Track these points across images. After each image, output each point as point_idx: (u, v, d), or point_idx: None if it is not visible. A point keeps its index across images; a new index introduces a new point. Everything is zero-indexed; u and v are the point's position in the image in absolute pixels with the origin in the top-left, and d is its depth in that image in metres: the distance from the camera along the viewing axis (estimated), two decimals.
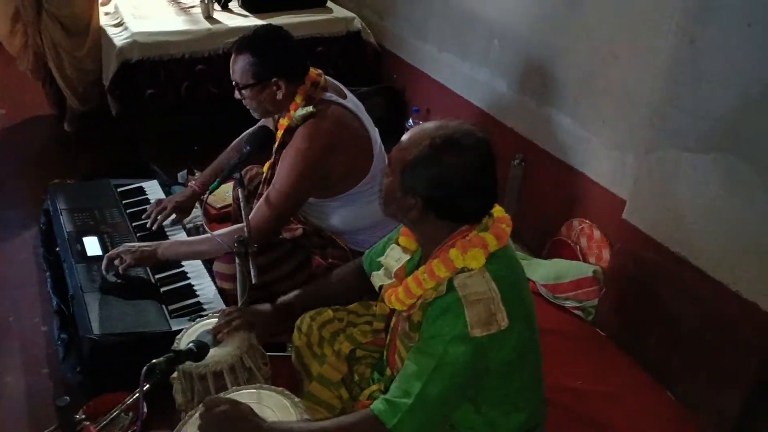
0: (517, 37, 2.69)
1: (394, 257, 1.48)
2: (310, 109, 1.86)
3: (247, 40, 1.89)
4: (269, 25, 2.01)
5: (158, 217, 2.26)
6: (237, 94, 1.94)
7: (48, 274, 2.30)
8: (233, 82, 1.92)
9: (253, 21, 3.31)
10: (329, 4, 3.61)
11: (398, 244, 1.49)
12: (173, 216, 2.29)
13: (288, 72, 1.88)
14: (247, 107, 1.96)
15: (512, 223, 1.37)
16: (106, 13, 3.40)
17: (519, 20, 2.66)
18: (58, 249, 2.33)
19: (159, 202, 2.33)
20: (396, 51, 3.56)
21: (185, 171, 3.05)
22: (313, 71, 1.94)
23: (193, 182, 2.32)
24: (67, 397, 1.34)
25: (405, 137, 1.34)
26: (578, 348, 2.12)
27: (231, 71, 1.91)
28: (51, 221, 2.49)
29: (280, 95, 1.89)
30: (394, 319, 1.50)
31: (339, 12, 3.57)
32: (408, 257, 1.46)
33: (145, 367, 1.35)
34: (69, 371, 1.90)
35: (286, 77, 1.88)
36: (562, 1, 2.44)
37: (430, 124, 1.32)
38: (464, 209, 1.31)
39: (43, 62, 3.38)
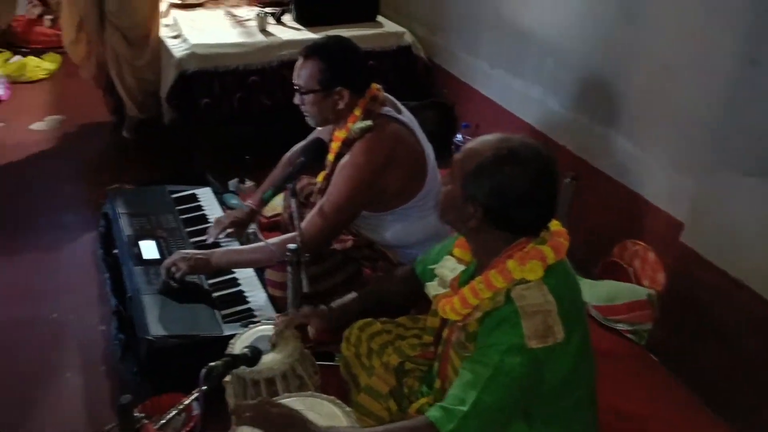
0: (572, 54, 2.67)
1: (449, 267, 1.49)
2: (368, 123, 1.89)
3: (318, 47, 1.94)
4: (339, 36, 2.06)
5: (215, 231, 2.29)
6: (297, 99, 1.98)
7: (107, 275, 2.37)
8: (295, 86, 1.96)
9: (306, 34, 3.37)
10: (380, 18, 3.66)
11: (453, 255, 1.50)
12: (230, 230, 2.31)
13: (352, 83, 1.92)
14: (305, 113, 2.00)
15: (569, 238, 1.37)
16: (166, 25, 3.51)
17: (574, 37, 2.65)
18: (116, 252, 2.40)
19: (218, 219, 2.35)
20: (446, 66, 3.58)
21: (236, 180, 3.12)
22: (374, 86, 1.98)
23: (250, 201, 2.36)
24: (129, 395, 1.38)
25: (468, 146, 1.37)
26: (630, 371, 2.09)
27: (295, 75, 1.95)
28: (110, 224, 2.58)
29: (341, 105, 1.92)
30: (446, 330, 1.51)
31: (390, 26, 3.61)
32: (463, 268, 1.47)
33: (204, 370, 1.39)
34: (126, 370, 1.95)
35: (350, 88, 1.91)
36: (619, 18, 2.42)
37: (494, 136, 1.35)
38: (523, 221, 1.33)
39: (105, 71, 3.51)
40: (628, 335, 2.20)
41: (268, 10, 3.53)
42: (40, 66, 4.46)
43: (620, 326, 2.20)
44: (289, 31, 3.44)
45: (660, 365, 2.13)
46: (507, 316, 1.28)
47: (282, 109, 3.18)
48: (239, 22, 3.55)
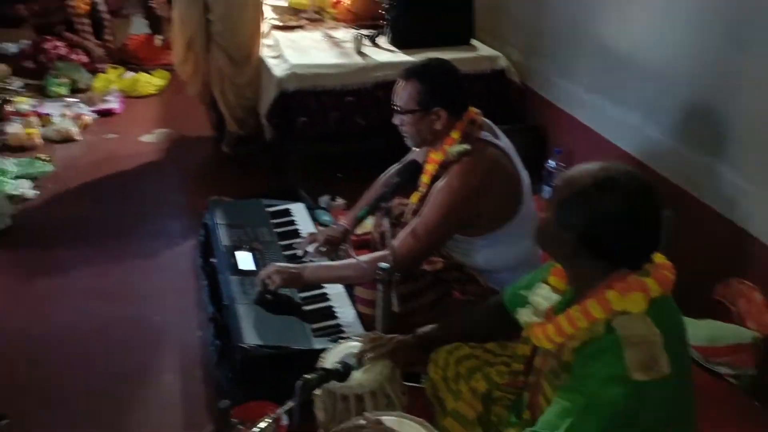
0: (675, 80, 2.58)
1: (543, 295, 1.47)
2: (466, 146, 1.90)
3: (417, 69, 1.99)
4: (440, 58, 2.10)
5: (308, 248, 2.35)
6: (396, 119, 2.02)
7: (205, 283, 2.48)
8: (394, 107, 2.01)
9: (400, 57, 3.44)
10: (474, 42, 3.68)
11: (547, 283, 1.49)
12: (323, 248, 2.34)
13: (450, 104, 1.95)
14: (404, 134, 2.04)
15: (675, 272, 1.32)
16: (268, 46, 3.67)
17: (678, 62, 2.56)
18: (214, 260, 2.52)
19: (311, 235, 2.42)
20: (540, 90, 3.54)
21: (328, 197, 3.21)
22: (472, 110, 1.99)
23: (344, 220, 2.42)
24: (228, 401, 1.45)
25: (567, 173, 1.36)
26: (731, 416, 1.97)
27: (395, 96, 2.01)
28: (209, 234, 2.71)
29: (438, 125, 1.95)
30: (538, 359, 1.48)
31: (484, 50, 3.62)
32: (557, 297, 1.45)
33: (299, 381, 1.44)
34: (221, 376, 2.04)
35: (447, 109, 1.94)
36: (727, 44, 2.32)
37: (594, 164, 1.32)
38: (622, 252, 1.29)
39: (209, 88, 3.72)
40: (730, 379, 2.08)
41: (364, 32, 3.62)
42: (150, 82, 4.77)
43: (722, 369, 2.08)
44: (384, 53, 3.51)
45: (763, 411, 2.00)
46: (608, 345, 1.24)
47: (375, 129, 3.27)
48: (337, 43, 3.66)
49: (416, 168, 2.06)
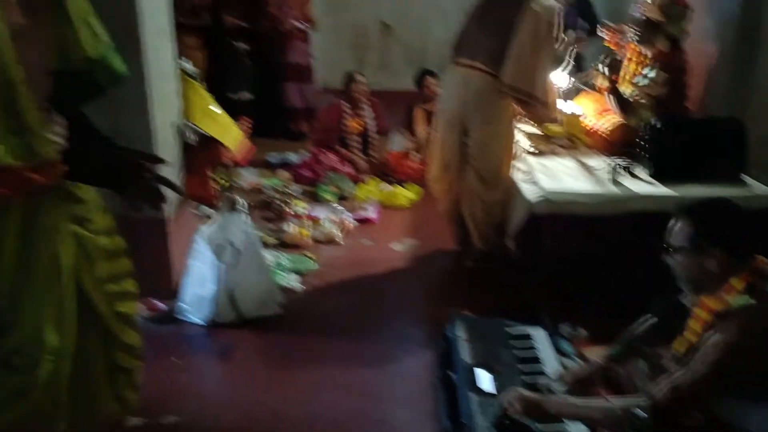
0: None
1: None
2: (750, 300, 1.74)
3: (694, 205, 1.94)
4: (720, 197, 2.02)
5: (558, 387, 2.30)
6: (667, 259, 1.95)
7: (441, 395, 2.53)
8: (667, 246, 1.94)
9: (660, 189, 3.31)
10: (746, 178, 3.40)
11: None
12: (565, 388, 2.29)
13: (728, 247, 1.83)
14: (675, 274, 1.96)
15: None
16: (521, 170, 3.80)
17: None
18: (451, 374, 2.57)
19: (562, 378, 2.37)
20: None
21: (569, 325, 3.11)
22: (761, 259, 1.83)
23: (596, 356, 2.33)
24: None
25: None
26: None
27: (668, 234, 1.95)
28: (449, 346, 2.78)
29: (714, 268, 1.83)
30: None
31: (757, 188, 3.33)
32: None
33: None
34: None
35: (725, 252, 1.82)
36: None
37: None
38: None
39: (457, 205, 3.94)
40: None
41: (620, 161, 3.57)
42: (404, 195, 5.20)
43: None
44: (642, 184, 3.40)
45: None
46: None
47: (624, 260, 3.14)
48: (590, 171, 3.65)
49: (680, 310, 1.92)
